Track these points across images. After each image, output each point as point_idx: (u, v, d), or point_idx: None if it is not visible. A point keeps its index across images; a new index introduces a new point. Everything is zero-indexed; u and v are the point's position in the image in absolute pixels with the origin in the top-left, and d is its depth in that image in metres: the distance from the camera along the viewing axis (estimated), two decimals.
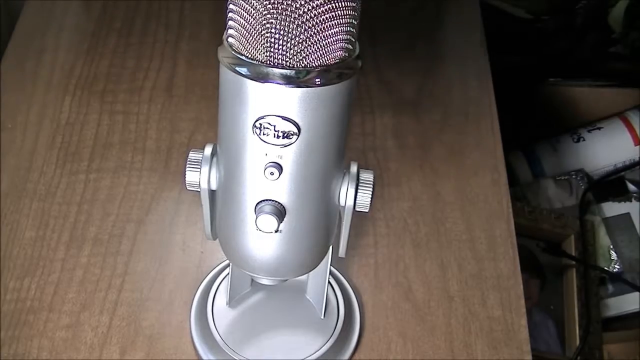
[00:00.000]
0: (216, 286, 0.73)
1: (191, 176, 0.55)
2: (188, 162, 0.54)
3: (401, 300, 0.77)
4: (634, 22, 1.35)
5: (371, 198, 0.55)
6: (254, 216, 0.52)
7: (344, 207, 0.55)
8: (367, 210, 0.55)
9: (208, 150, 0.55)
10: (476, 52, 1.05)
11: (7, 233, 0.80)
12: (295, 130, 0.47)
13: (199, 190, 0.55)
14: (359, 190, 0.55)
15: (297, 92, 0.45)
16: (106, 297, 0.76)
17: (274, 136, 0.47)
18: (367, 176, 0.55)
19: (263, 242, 0.55)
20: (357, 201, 0.55)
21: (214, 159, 0.55)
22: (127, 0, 1.09)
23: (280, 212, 0.52)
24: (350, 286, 0.77)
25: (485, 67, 1.02)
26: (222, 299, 0.72)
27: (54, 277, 0.77)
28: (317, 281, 0.70)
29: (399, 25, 1.09)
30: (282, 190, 0.51)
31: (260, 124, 0.47)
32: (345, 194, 0.54)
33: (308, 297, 0.73)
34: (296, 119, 0.47)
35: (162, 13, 1.07)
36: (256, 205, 0.52)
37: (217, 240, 0.60)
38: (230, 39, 0.47)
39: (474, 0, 1.13)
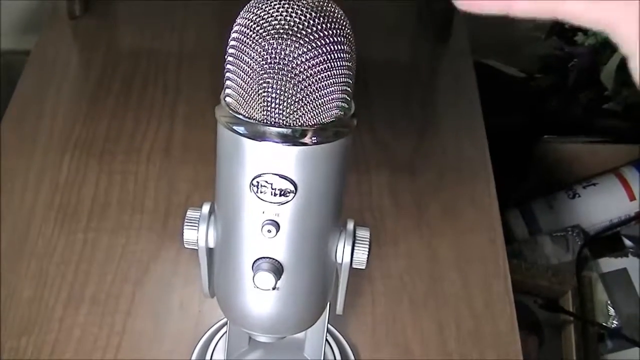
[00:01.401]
0: (213, 345, 0.73)
1: (189, 234, 0.55)
2: (186, 220, 0.55)
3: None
4: (626, 80, 1.37)
5: (368, 255, 0.55)
6: (252, 273, 0.52)
7: (341, 264, 0.55)
8: (363, 267, 0.56)
9: (206, 208, 0.55)
10: (470, 111, 1.06)
11: (5, 292, 0.80)
12: (292, 188, 0.47)
13: (196, 247, 0.56)
14: (355, 247, 0.55)
15: (293, 151, 0.46)
16: (104, 356, 0.75)
17: (271, 194, 0.48)
18: (364, 233, 0.55)
19: (260, 299, 0.55)
20: (354, 258, 0.55)
21: (212, 217, 0.55)
22: (125, 62, 1.10)
23: (277, 270, 0.52)
24: (348, 344, 0.76)
25: (479, 125, 1.03)
26: (219, 357, 0.72)
27: (52, 336, 0.77)
28: (315, 339, 0.70)
29: (394, 84, 1.11)
30: (279, 247, 0.51)
31: (258, 182, 0.47)
32: (342, 251, 0.55)
33: (306, 355, 0.73)
34: (293, 177, 0.47)
35: (160, 75, 1.09)
36: (253, 262, 0.52)
37: (215, 298, 0.61)
38: (227, 99, 0.48)
39: (467, 59, 1.15)
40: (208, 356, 0.72)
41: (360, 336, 0.79)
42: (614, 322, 1.24)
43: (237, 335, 0.70)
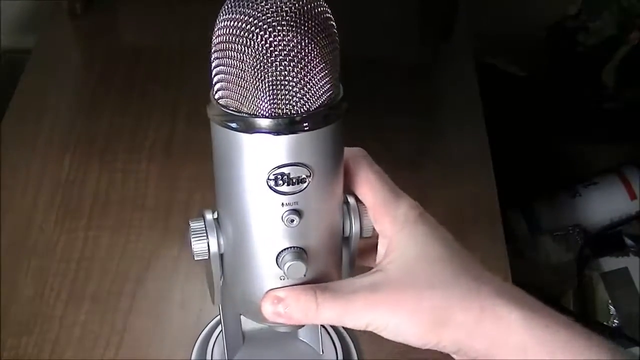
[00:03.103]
0: (212, 345, 0.73)
1: (198, 246, 0.54)
2: (192, 233, 0.54)
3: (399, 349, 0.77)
4: (627, 79, 1.37)
5: None
6: (276, 267, 0.52)
7: (351, 236, 0.55)
8: (371, 235, 0.55)
9: (209, 216, 0.55)
10: (472, 109, 1.06)
11: (5, 290, 0.80)
12: (308, 173, 0.48)
13: (207, 258, 0.55)
14: (363, 216, 0.55)
15: (305, 137, 0.46)
16: (104, 354, 0.75)
17: (289, 184, 0.48)
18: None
19: None
20: (363, 226, 0.55)
21: (216, 223, 0.54)
22: (126, 60, 1.10)
23: (303, 257, 0.52)
24: (349, 337, 0.76)
25: (481, 124, 1.03)
26: (219, 355, 0.72)
27: (52, 334, 0.77)
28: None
29: (396, 82, 1.11)
30: (301, 234, 0.51)
31: (275, 176, 0.48)
32: (350, 223, 0.55)
33: (302, 339, 0.72)
34: (308, 163, 0.47)
35: (161, 73, 1.09)
36: (277, 255, 0.52)
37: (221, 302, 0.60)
38: (222, 100, 0.48)
39: (469, 57, 1.15)
40: (208, 356, 0.72)
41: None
42: (615, 321, 1.24)
43: (233, 334, 0.70)
